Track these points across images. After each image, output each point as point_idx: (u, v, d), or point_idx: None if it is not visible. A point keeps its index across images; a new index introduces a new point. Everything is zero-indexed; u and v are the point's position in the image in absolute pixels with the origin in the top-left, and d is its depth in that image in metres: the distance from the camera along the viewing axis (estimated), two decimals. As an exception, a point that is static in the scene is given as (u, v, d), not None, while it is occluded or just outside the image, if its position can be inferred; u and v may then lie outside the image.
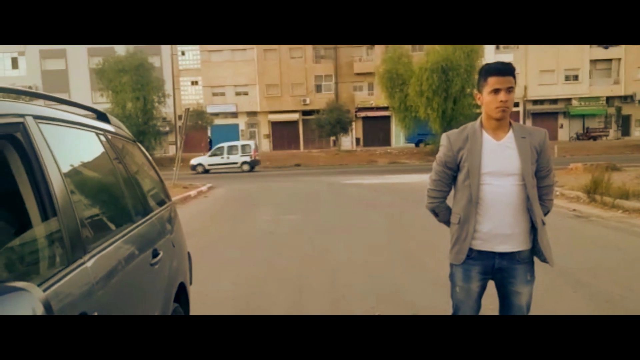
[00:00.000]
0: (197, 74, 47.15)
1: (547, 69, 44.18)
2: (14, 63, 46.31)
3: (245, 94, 46.92)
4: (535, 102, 45.13)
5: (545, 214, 2.61)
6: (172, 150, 42.03)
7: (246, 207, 12.93)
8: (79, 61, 45.01)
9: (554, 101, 45.13)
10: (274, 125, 46.76)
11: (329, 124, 39.53)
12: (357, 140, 45.39)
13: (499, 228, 2.46)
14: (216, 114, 44.63)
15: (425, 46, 36.42)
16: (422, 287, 5.26)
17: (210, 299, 4.94)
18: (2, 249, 1.55)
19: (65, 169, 1.84)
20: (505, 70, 2.43)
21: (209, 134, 44.84)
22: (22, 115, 1.67)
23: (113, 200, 2.37)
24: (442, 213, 2.72)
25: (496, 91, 2.41)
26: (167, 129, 41.91)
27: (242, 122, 47.33)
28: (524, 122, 45.46)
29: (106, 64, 36.67)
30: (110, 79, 36.19)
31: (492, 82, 2.42)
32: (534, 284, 2.58)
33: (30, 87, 39.99)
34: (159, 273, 2.49)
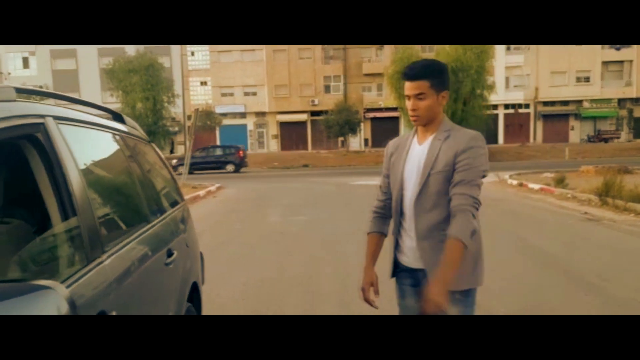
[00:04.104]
0: (206, 75, 47.31)
1: (558, 70, 43.92)
2: (25, 63, 46.69)
3: (254, 94, 47.03)
4: (546, 103, 44.88)
5: (459, 227, 2.03)
6: (180, 150, 42.18)
7: (255, 207, 12.95)
8: (89, 61, 45.31)
9: (565, 103, 44.85)
10: (283, 125, 46.82)
11: (337, 124, 39.54)
12: (366, 141, 45.35)
13: (413, 241, 2.19)
14: (225, 115, 44.77)
15: (435, 47, 36.32)
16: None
17: (220, 300, 4.96)
18: (24, 247, 1.57)
19: (84, 169, 1.86)
20: (412, 74, 2.13)
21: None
22: (43, 116, 1.68)
23: (129, 199, 2.38)
24: (370, 223, 2.42)
25: (408, 98, 2.16)
26: (176, 129, 42.08)
27: (250, 123, 47.44)
28: (535, 124, 45.27)
29: (116, 64, 36.85)
30: (120, 79, 36.37)
31: (405, 87, 2.17)
32: (469, 303, 2.18)
33: (41, 87, 40.33)
34: (173, 273, 2.51)
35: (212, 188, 17.72)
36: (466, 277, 2.14)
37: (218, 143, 46.04)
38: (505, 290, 5.14)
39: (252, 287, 5.52)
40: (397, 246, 2.29)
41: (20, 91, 1.68)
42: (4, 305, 1.02)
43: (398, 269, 2.32)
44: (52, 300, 1.09)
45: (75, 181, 1.70)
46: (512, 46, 43.95)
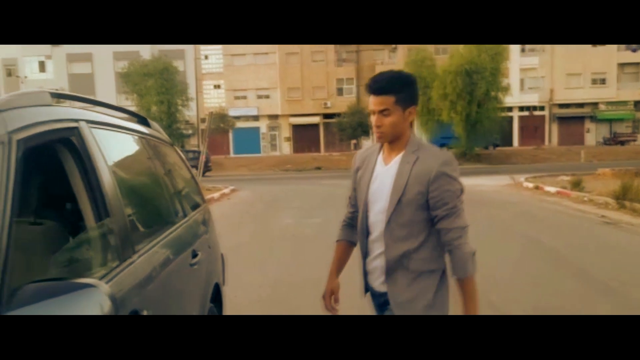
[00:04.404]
0: (219, 78, 47.57)
1: (573, 72, 43.53)
2: (41, 66, 47.17)
3: (267, 97, 47.19)
4: (561, 105, 44.50)
5: (460, 265, 1.97)
6: (193, 153, 42.43)
7: (270, 209, 13.01)
8: (104, 65, 45.71)
9: (581, 105, 44.43)
10: (295, 128, 46.91)
11: (350, 127, 39.56)
12: (379, 143, 45.27)
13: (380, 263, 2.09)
14: (238, 117, 44.98)
15: (449, 49, 36.21)
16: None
17: (237, 300, 5.00)
18: (63, 247, 1.62)
19: (114, 171, 1.91)
20: (376, 88, 1.97)
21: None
22: (77, 120, 1.74)
23: (155, 201, 2.43)
24: (339, 231, 2.36)
25: (372, 112, 2.00)
26: (190, 132, 42.37)
27: (263, 125, 47.60)
28: (550, 127, 44.90)
29: (132, 68, 37.18)
30: (135, 83, 36.68)
31: (369, 101, 2.01)
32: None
33: (57, 90, 40.73)
34: (197, 273, 2.55)
35: (226, 190, 17.82)
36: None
37: (231, 146, 46.26)
38: (521, 292, 5.12)
39: (267, 289, 5.56)
40: (364, 266, 2.18)
41: (53, 96, 1.73)
42: (55, 302, 1.07)
43: (367, 289, 2.22)
44: (96, 297, 1.13)
45: (108, 183, 1.75)
46: (527, 48, 43.66)
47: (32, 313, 1.05)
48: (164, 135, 2.99)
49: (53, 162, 1.70)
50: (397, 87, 1.97)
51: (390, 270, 2.04)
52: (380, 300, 2.12)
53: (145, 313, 1.66)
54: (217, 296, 3.05)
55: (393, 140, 2.04)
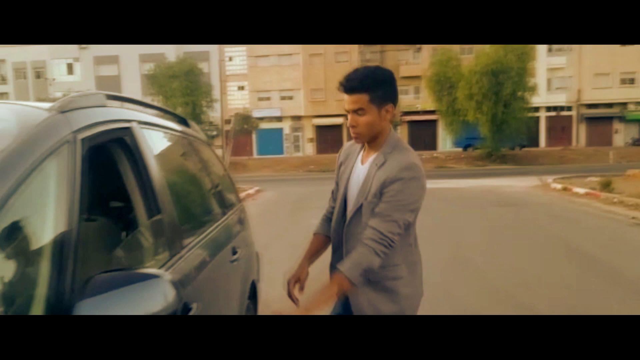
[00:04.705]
0: (243, 79, 47.93)
1: (601, 72, 42.70)
2: (69, 69, 48.06)
3: (290, 98, 47.39)
4: (589, 106, 43.71)
5: (350, 261, 1.87)
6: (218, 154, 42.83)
7: (295, 209, 13.08)
8: (131, 67, 46.42)
9: (609, 105, 43.57)
10: (318, 129, 47.00)
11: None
12: (403, 144, 45.07)
13: None
14: (261, 118, 45.27)
15: (475, 49, 35.90)
16: (473, 291, 5.24)
17: (265, 297, 5.05)
18: (113, 244, 1.69)
19: (163, 169, 1.97)
20: (349, 87, 1.90)
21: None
22: (129, 121, 1.81)
23: (198, 198, 2.51)
24: (318, 225, 2.34)
25: (347, 112, 1.94)
26: (215, 133, 42.83)
27: (286, 126, 47.81)
28: (577, 127, 44.13)
29: (157, 70, 37.71)
30: (161, 85, 37.18)
31: (344, 100, 1.94)
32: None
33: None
34: (237, 270, 2.61)
35: (251, 191, 17.96)
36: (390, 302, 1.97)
37: (255, 147, 46.57)
38: (552, 293, 5.08)
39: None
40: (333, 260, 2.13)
41: (108, 97, 1.80)
42: (124, 291, 1.13)
43: None
44: (161, 287, 1.19)
45: (158, 181, 1.82)
46: (554, 47, 43.00)
47: (103, 302, 1.12)
48: (201, 134, 3.06)
49: (106, 161, 1.78)
50: (370, 84, 1.88)
51: None
52: (346, 303, 2.05)
53: (195, 306, 1.72)
54: (253, 293, 3.11)
55: (371, 140, 1.98)
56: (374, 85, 1.89)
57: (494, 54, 31.86)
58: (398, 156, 1.92)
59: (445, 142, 44.06)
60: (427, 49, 42.77)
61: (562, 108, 44.32)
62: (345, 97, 1.91)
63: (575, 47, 42.80)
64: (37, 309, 1.08)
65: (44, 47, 46.67)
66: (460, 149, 40.82)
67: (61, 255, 1.14)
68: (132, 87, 45.86)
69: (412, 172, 1.87)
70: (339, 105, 43.42)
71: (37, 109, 1.43)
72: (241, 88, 48.18)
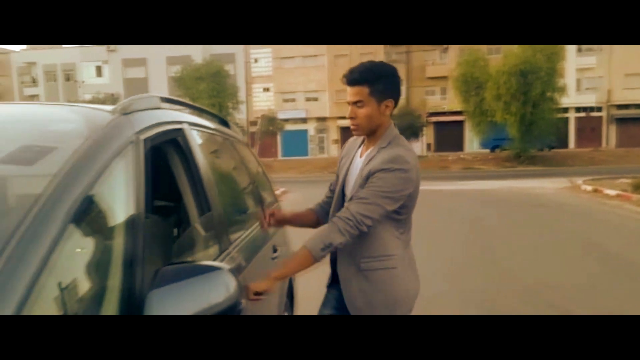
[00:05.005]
0: (269, 81, 48.22)
1: (633, 72, 41.69)
2: (98, 71, 48.85)
3: (315, 99, 47.49)
4: (619, 106, 42.76)
5: (317, 236, 1.89)
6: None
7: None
8: (158, 69, 47.04)
9: (640, 106, 42.61)
10: (343, 130, 46.95)
11: (398, 129, 39.07)
12: (428, 145, 44.81)
13: None
14: (286, 120, 45.49)
15: (503, 49, 35.47)
16: (503, 291, 5.21)
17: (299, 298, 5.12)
18: (167, 241, 1.76)
19: (210, 169, 2.04)
20: (351, 79, 1.96)
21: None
22: (181, 122, 1.88)
23: (241, 196, 2.58)
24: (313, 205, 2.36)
25: (348, 104, 2.00)
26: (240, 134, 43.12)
27: (311, 128, 47.93)
28: (608, 128, 43.23)
29: (184, 72, 38.14)
30: (188, 87, 37.56)
31: (347, 93, 2.00)
32: None
33: (112, 94, 42.34)
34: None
35: (278, 192, 17.95)
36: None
37: (280, 148, 46.81)
38: (583, 294, 5.03)
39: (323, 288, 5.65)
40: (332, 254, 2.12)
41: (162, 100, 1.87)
42: (189, 282, 1.20)
43: (333, 280, 2.18)
44: (223, 278, 1.25)
45: (208, 180, 1.89)
46: (584, 47, 42.21)
47: (171, 291, 1.18)
48: (240, 135, 3.14)
49: (161, 160, 1.85)
50: (371, 78, 1.93)
51: (342, 265, 2.05)
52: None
53: (243, 302, 1.78)
54: (290, 292, 3.16)
55: (370, 134, 2.03)
56: (375, 79, 1.94)
57: (522, 54, 31.39)
58: (389, 149, 1.96)
59: (472, 143, 43.60)
60: (454, 49, 42.41)
61: (591, 109, 43.47)
62: (348, 89, 1.97)
63: (606, 47, 41.91)
64: (113, 303, 1.14)
65: (74, 49, 47.72)
66: (487, 150, 40.34)
67: (133, 250, 1.21)
68: (159, 89, 46.40)
69: (396, 164, 1.89)
70: (365, 106, 42.27)
71: (100, 111, 1.50)
72: (266, 89, 48.47)
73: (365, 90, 1.93)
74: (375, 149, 2.00)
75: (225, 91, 38.20)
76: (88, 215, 1.14)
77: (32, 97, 48.18)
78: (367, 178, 1.91)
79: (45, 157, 1.22)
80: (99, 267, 1.16)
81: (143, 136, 1.47)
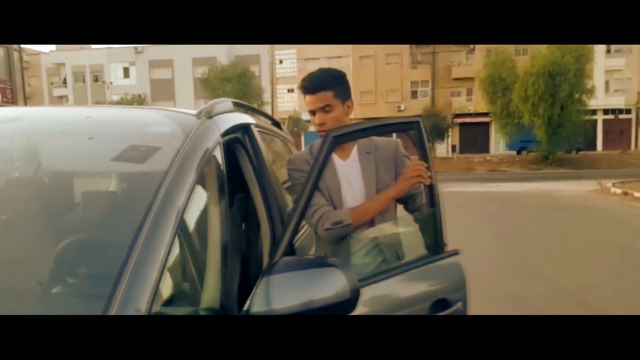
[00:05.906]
0: (293, 82, 48.38)
1: (663, 73, 40.89)
2: (126, 72, 49.40)
3: (340, 100, 47.55)
4: (649, 108, 41.95)
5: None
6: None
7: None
8: (184, 71, 47.49)
9: (671, 108, 41.68)
10: (368, 131, 46.93)
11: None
12: (453, 147, 44.52)
13: None
14: (310, 121, 45.61)
15: (530, 50, 35.06)
16: (538, 292, 5.25)
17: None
18: (240, 233, 1.89)
19: (273, 167, 2.17)
20: (313, 87, 2.00)
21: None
22: (248, 124, 2.01)
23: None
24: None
25: (312, 112, 2.03)
26: (265, 135, 43.36)
27: (335, 129, 47.99)
28: (637, 130, 42.40)
29: (211, 74, 38.53)
30: (214, 88, 37.91)
31: (307, 102, 2.04)
32: None
33: (140, 95, 42.96)
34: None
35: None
36: None
37: (303, 149, 46.95)
38: (618, 295, 5.04)
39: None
40: None
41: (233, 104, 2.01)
42: (307, 273, 1.30)
43: None
44: (336, 275, 1.31)
45: (274, 179, 2.02)
46: (613, 48, 41.49)
47: (287, 280, 1.29)
48: (289, 136, 3.28)
49: (232, 160, 1.99)
50: (332, 81, 2.02)
51: None
52: None
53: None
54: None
55: None
56: (335, 82, 2.03)
57: (550, 56, 30.99)
58: (379, 139, 2.13)
59: (498, 144, 43.18)
60: (480, 50, 42.06)
61: (620, 111, 42.67)
62: (308, 98, 2.03)
63: (635, 48, 41.09)
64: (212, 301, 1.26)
65: (102, 51, 48.51)
66: (513, 152, 39.90)
67: (226, 247, 1.33)
68: (185, 90, 47.01)
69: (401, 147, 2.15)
70: (389, 107, 42.74)
71: (187, 115, 1.64)
72: (291, 91, 48.69)
73: (329, 94, 2.00)
74: (361, 143, 2.11)
75: (251, 92, 38.46)
76: (193, 212, 1.27)
77: (61, 98, 49.15)
78: (393, 166, 2.08)
79: (153, 156, 1.36)
80: (202, 261, 1.29)
81: (225, 138, 1.60)
